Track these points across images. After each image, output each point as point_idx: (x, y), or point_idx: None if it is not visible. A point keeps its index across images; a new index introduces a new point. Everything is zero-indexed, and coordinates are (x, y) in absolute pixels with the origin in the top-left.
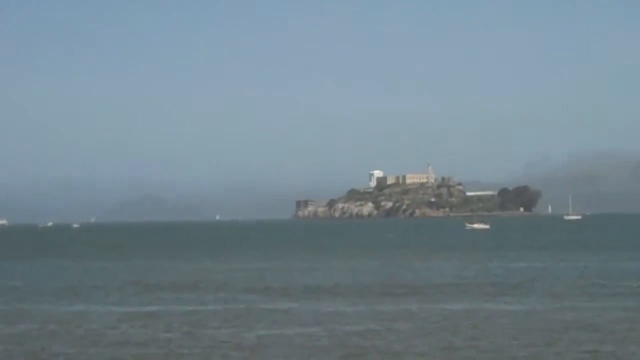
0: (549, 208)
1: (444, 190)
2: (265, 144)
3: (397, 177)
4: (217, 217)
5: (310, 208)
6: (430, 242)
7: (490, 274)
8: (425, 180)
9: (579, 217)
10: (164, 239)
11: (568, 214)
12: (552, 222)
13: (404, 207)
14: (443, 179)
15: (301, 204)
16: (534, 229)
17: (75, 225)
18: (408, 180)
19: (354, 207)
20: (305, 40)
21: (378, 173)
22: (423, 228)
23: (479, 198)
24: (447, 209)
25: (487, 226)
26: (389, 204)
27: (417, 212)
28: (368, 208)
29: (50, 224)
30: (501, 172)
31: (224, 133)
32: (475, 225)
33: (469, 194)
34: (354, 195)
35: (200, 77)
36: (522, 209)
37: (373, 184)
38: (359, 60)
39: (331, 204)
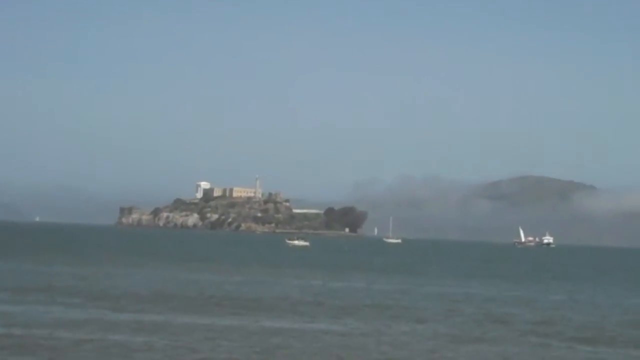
0: (375, 230)
1: (270, 205)
2: (90, 148)
3: (225, 190)
4: (37, 219)
5: (135, 215)
6: (256, 257)
7: (313, 293)
8: (252, 194)
9: (399, 240)
10: None
11: (388, 237)
12: (372, 244)
13: (230, 220)
14: (270, 194)
15: (125, 210)
16: (353, 250)
17: None
18: (235, 194)
19: (179, 217)
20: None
21: (205, 184)
22: (247, 242)
23: (305, 216)
24: (273, 225)
25: (307, 243)
26: (215, 216)
27: (243, 226)
28: (193, 219)
29: None
30: (329, 191)
31: (49, 134)
32: (296, 242)
33: (295, 211)
34: (179, 205)
35: (27, 78)
36: (347, 230)
37: (199, 195)
38: (200, 71)
39: (156, 212)
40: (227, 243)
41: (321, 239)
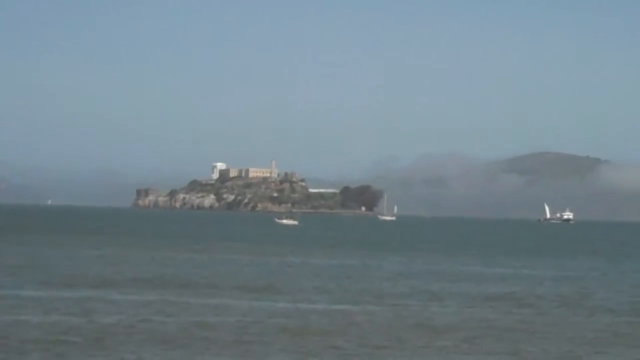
0: (395, 208)
1: (286, 185)
2: (105, 131)
3: (240, 170)
4: (49, 202)
5: (151, 197)
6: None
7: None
8: (268, 175)
9: (393, 218)
10: None
11: (383, 215)
12: (367, 222)
13: (246, 200)
14: (286, 174)
15: (142, 192)
16: (341, 228)
17: None
18: (251, 174)
19: (195, 199)
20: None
21: (221, 165)
22: (247, 222)
23: (322, 195)
24: (290, 205)
25: (295, 222)
26: (231, 197)
27: (259, 206)
28: (210, 200)
29: None
30: (347, 171)
31: (64, 116)
32: (285, 221)
33: (311, 190)
34: (195, 186)
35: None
36: (363, 208)
37: (215, 176)
38: (212, 51)
39: (172, 194)
40: (226, 223)
41: (334, 218)
